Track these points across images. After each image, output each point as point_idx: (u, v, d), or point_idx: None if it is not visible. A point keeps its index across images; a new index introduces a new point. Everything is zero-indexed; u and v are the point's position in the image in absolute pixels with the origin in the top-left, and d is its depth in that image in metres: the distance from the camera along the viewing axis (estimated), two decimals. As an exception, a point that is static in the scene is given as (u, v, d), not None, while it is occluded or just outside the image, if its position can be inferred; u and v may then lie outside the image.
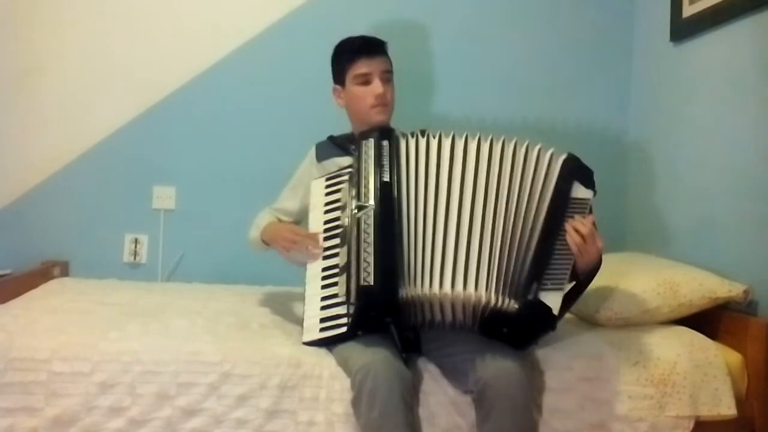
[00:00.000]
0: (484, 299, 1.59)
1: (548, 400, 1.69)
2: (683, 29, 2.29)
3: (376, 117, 1.91)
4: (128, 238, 2.61)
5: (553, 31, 2.66)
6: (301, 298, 1.78)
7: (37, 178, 2.58)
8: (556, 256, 1.61)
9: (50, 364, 1.63)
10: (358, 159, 1.72)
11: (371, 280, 1.58)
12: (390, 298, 1.60)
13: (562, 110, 2.64)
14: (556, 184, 1.63)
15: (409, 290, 1.60)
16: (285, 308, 2.10)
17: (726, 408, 1.72)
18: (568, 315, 1.80)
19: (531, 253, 1.62)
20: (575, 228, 1.60)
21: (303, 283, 1.79)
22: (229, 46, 2.60)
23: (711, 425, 1.74)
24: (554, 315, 1.61)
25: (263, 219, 2.01)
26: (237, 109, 2.61)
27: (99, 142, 2.59)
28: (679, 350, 1.76)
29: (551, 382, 1.70)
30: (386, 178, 1.66)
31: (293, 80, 2.57)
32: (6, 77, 2.57)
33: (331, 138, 2.04)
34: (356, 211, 1.66)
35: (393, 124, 1.93)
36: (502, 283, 1.60)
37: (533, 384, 1.66)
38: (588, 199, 1.65)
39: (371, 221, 1.63)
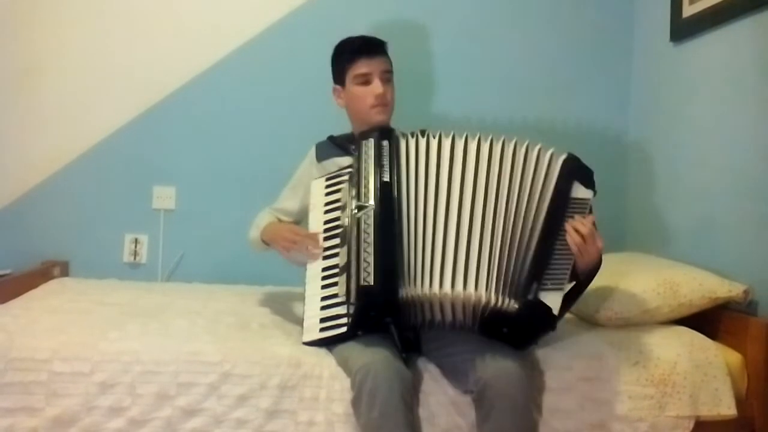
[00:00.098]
0: (484, 299, 1.59)
1: (548, 400, 1.69)
2: (683, 29, 2.29)
3: (376, 117, 1.91)
4: (128, 238, 2.61)
5: (553, 31, 2.66)
6: (301, 298, 1.78)
7: (37, 178, 2.59)
8: (556, 256, 1.61)
9: (50, 364, 1.63)
10: (358, 159, 1.72)
11: (371, 280, 1.58)
12: (390, 298, 1.60)
13: (562, 110, 2.64)
14: (556, 184, 1.63)
15: (409, 290, 1.60)
16: (285, 308, 2.10)
17: (726, 408, 1.72)
18: (567, 315, 1.80)
19: (531, 253, 1.62)
20: (575, 228, 1.60)
21: (303, 283, 1.79)
22: (229, 46, 2.60)
23: (711, 425, 1.74)
24: (554, 315, 1.61)
25: (263, 219, 2.01)
26: (237, 109, 2.61)
27: (99, 142, 2.59)
28: (679, 350, 1.76)
29: (551, 382, 1.70)
30: (386, 178, 1.66)
31: (293, 80, 2.57)
32: (6, 77, 2.57)
33: (331, 138, 2.04)
34: (356, 211, 1.66)
35: (393, 124, 1.93)
36: (502, 283, 1.60)
37: (533, 384, 1.66)
38: (588, 199, 1.65)
39: (371, 221, 1.63)
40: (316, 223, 1.82)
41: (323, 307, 1.72)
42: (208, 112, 2.61)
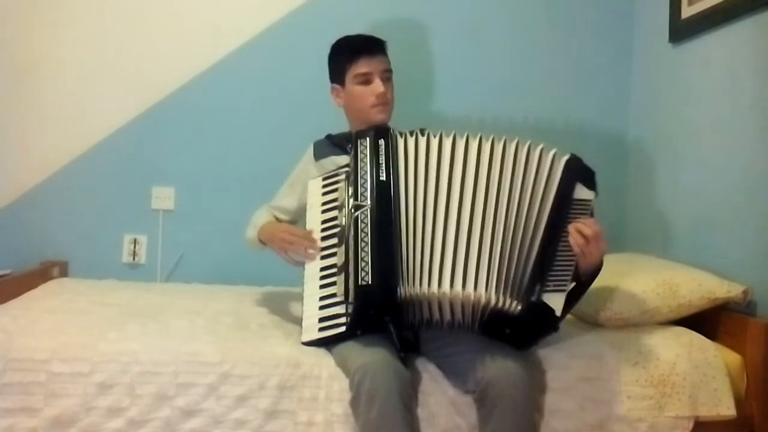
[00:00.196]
0: (484, 299, 1.59)
1: (548, 400, 1.69)
2: (682, 30, 2.29)
3: (377, 117, 1.90)
4: (127, 238, 2.61)
5: (553, 31, 2.66)
6: (301, 298, 1.78)
7: (37, 178, 2.59)
8: (559, 257, 1.61)
9: (49, 364, 1.62)
10: (355, 158, 1.71)
11: (369, 280, 1.58)
12: (388, 298, 1.59)
13: (562, 110, 2.64)
14: (559, 184, 1.62)
15: (407, 289, 1.60)
16: (284, 308, 2.10)
17: (725, 408, 1.72)
18: (568, 315, 1.80)
19: (533, 253, 1.61)
20: (579, 229, 1.60)
21: (302, 283, 1.78)
22: (229, 46, 2.60)
23: (710, 425, 1.74)
24: (557, 316, 1.60)
25: (261, 217, 2.01)
26: (236, 109, 2.61)
27: (98, 143, 2.59)
28: (678, 351, 1.76)
29: (551, 382, 1.70)
30: (383, 177, 1.66)
31: (293, 80, 2.57)
32: (6, 77, 2.57)
33: (329, 137, 2.04)
34: (353, 210, 1.65)
35: (392, 124, 1.93)
36: (503, 283, 1.60)
37: (534, 384, 1.66)
38: (590, 200, 1.64)
39: (368, 220, 1.62)
40: (314, 222, 1.82)
41: (322, 307, 1.72)
42: (208, 112, 2.61)
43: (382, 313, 1.63)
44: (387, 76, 1.94)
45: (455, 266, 1.60)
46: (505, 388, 1.54)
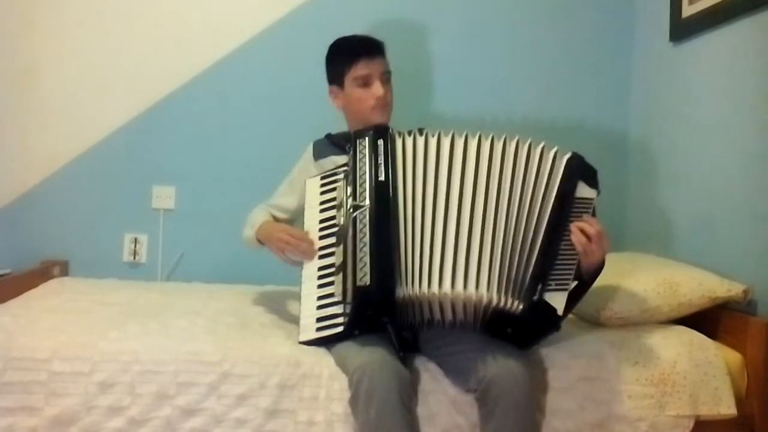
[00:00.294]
0: (485, 299, 1.58)
1: (549, 399, 1.69)
2: (683, 29, 2.29)
3: (377, 119, 1.89)
4: (128, 237, 2.61)
5: (552, 30, 2.66)
6: (300, 297, 1.78)
7: (37, 177, 2.59)
8: (561, 256, 1.60)
9: (50, 363, 1.62)
10: (354, 157, 1.70)
11: (367, 280, 1.57)
12: (386, 298, 1.59)
13: (562, 110, 2.64)
14: (561, 183, 1.62)
15: (407, 290, 1.60)
16: (285, 308, 2.10)
17: (726, 407, 1.72)
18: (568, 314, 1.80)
19: (535, 253, 1.61)
20: (581, 228, 1.60)
21: (301, 283, 1.78)
22: (229, 46, 2.60)
23: (711, 424, 1.74)
24: (559, 315, 1.60)
25: (258, 216, 2.00)
26: (237, 108, 2.61)
27: (99, 142, 2.59)
28: (679, 350, 1.76)
29: (551, 382, 1.70)
30: (382, 177, 1.65)
31: (293, 80, 2.57)
32: (6, 77, 2.57)
33: (328, 136, 2.04)
34: (352, 210, 1.65)
35: (392, 124, 1.92)
36: (504, 282, 1.59)
37: (536, 384, 1.66)
38: (592, 199, 1.64)
39: (367, 221, 1.62)
40: (312, 221, 1.82)
41: (319, 307, 1.72)
42: (208, 111, 2.61)
43: (380, 314, 1.62)
44: (386, 78, 1.93)
45: (456, 266, 1.60)
46: (507, 387, 1.54)
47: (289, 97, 2.59)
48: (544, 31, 2.66)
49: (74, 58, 2.59)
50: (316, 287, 1.74)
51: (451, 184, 1.64)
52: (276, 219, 2.02)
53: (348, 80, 1.93)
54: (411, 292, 1.60)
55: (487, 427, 1.56)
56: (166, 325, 1.86)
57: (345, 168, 1.76)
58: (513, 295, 1.60)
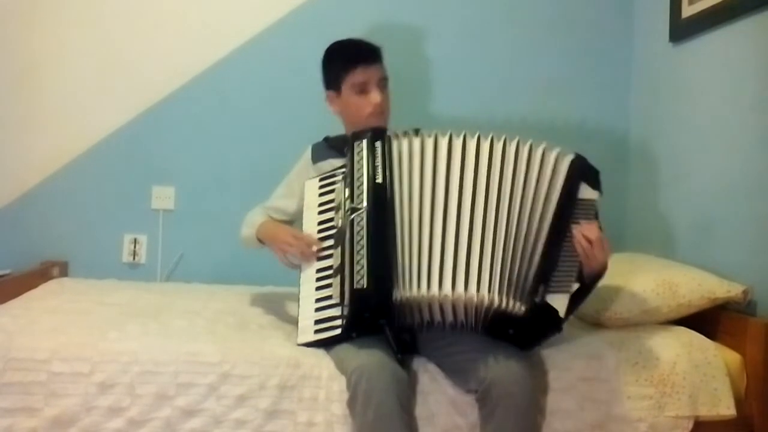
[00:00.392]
0: (486, 300, 1.58)
1: (548, 400, 1.69)
2: (682, 30, 2.29)
3: (374, 125, 1.87)
4: (127, 238, 2.61)
5: (552, 31, 2.66)
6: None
7: (37, 178, 2.59)
8: (563, 259, 1.60)
9: (50, 364, 1.62)
10: (351, 159, 1.70)
11: (365, 283, 1.56)
12: (383, 301, 1.58)
13: (562, 110, 2.64)
14: (563, 184, 1.61)
15: (406, 292, 1.59)
16: (284, 309, 2.10)
17: (725, 408, 1.72)
18: (568, 315, 1.80)
19: (537, 254, 1.60)
20: (583, 233, 1.59)
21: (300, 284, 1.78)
22: (229, 46, 2.60)
23: (710, 425, 1.74)
24: (561, 317, 1.60)
25: (257, 217, 2.00)
26: (237, 109, 2.61)
27: (98, 142, 2.59)
28: (678, 350, 1.76)
29: (551, 382, 1.70)
30: (379, 180, 1.64)
31: (293, 80, 2.57)
32: (6, 77, 2.57)
33: (326, 139, 2.03)
34: (349, 213, 1.64)
35: (391, 126, 1.92)
36: (506, 284, 1.59)
37: (537, 384, 1.66)
38: (594, 200, 1.64)
39: (364, 223, 1.61)
40: (310, 223, 1.81)
41: (317, 309, 1.72)
42: (208, 112, 2.61)
43: (377, 316, 1.61)
44: (383, 84, 1.92)
45: (456, 267, 1.59)
46: (508, 387, 1.54)
47: (289, 98, 2.58)
48: (544, 31, 2.66)
49: (74, 58, 2.59)
50: (314, 289, 1.74)
51: (451, 184, 1.63)
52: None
53: (345, 87, 1.92)
54: (410, 294, 1.59)
55: (487, 428, 1.56)
56: (165, 325, 1.86)
57: (343, 170, 1.76)
58: (515, 297, 1.59)
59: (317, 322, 1.71)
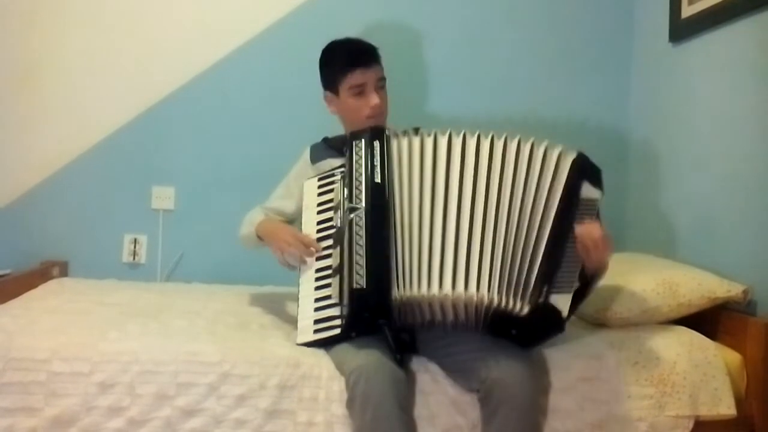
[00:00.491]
0: (486, 299, 1.57)
1: (548, 399, 1.69)
2: (682, 30, 2.29)
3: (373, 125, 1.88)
4: (127, 238, 2.61)
5: (552, 31, 2.66)
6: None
7: (37, 178, 2.59)
8: (566, 258, 1.59)
9: (50, 364, 1.62)
10: (350, 159, 1.70)
11: (363, 283, 1.56)
12: (382, 301, 1.58)
13: (563, 110, 2.63)
14: (566, 183, 1.61)
15: (405, 291, 1.59)
16: (284, 308, 2.10)
17: (725, 408, 1.72)
18: (568, 315, 1.80)
19: (539, 253, 1.59)
20: (586, 232, 1.58)
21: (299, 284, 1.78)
22: (229, 46, 2.60)
23: (710, 425, 1.74)
24: (563, 317, 1.59)
25: (257, 216, 2.00)
26: (236, 109, 2.61)
27: (98, 142, 2.59)
28: (678, 350, 1.76)
29: (551, 382, 1.70)
30: (378, 179, 1.64)
31: (293, 80, 2.57)
32: (6, 77, 2.57)
33: (325, 139, 2.03)
34: (348, 212, 1.64)
35: (390, 124, 1.92)
36: (506, 283, 1.58)
37: (539, 385, 1.66)
38: (597, 200, 1.63)
39: (363, 223, 1.61)
40: (310, 223, 1.81)
41: (317, 309, 1.71)
42: (208, 112, 2.61)
43: (376, 316, 1.61)
44: (381, 85, 1.92)
45: (456, 267, 1.59)
46: (511, 388, 1.54)
47: (289, 98, 2.58)
48: (544, 31, 2.66)
49: (74, 58, 2.59)
50: (313, 289, 1.74)
51: (450, 183, 1.63)
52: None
53: (342, 89, 1.92)
54: (410, 294, 1.59)
55: (489, 429, 1.56)
56: (165, 325, 1.86)
57: (342, 170, 1.76)
58: (517, 297, 1.59)
59: (316, 321, 1.71)
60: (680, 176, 2.30)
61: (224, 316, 1.99)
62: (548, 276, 1.58)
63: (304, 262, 1.78)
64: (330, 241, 1.74)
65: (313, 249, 1.77)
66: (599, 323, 1.91)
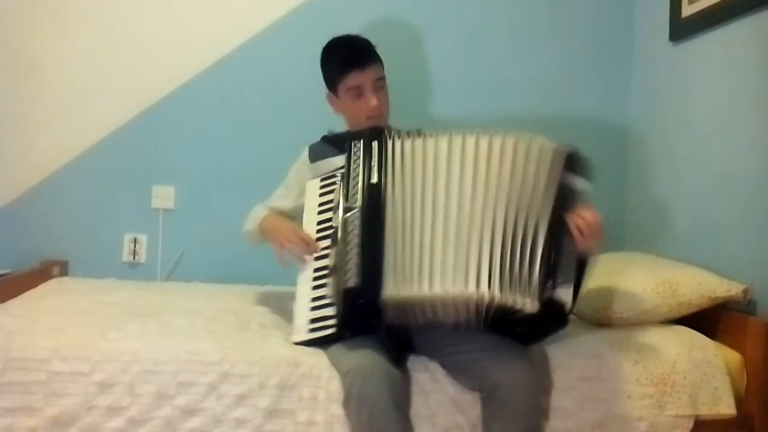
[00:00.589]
0: (487, 297, 1.57)
1: (548, 399, 1.69)
2: (682, 29, 2.29)
3: (373, 125, 1.87)
4: (127, 237, 2.61)
5: (552, 31, 2.66)
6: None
7: (37, 177, 2.59)
8: (564, 250, 1.60)
9: (49, 363, 1.62)
10: (348, 159, 1.70)
11: (354, 282, 1.56)
12: (373, 300, 1.57)
13: (563, 110, 2.63)
14: (558, 176, 1.62)
15: (402, 291, 1.58)
16: (284, 308, 2.09)
17: (725, 407, 1.72)
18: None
19: (538, 248, 1.59)
20: (579, 215, 1.59)
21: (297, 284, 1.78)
22: (229, 46, 2.60)
23: (710, 424, 1.74)
24: (566, 311, 1.59)
25: (260, 212, 2.00)
26: (237, 108, 2.61)
27: (98, 142, 2.59)
28: (678, 350, 1.76)
29: (551, 382, 1.70)
30: (374, 180, 1.64)
31: (293, 80, 2.57)
32: (6, 77, 2.57)
33: (324, 138, 2.03)
34: (344, 212, 1.64)
35: (392, 124, 1.92)
36: (507, 280, 1.58)
37: (541, 385, 1.66)
38: (587, 192, 1.64)
39: (357, 223, 1.61)
40: (310, 223, 1.81)
41: (313, 308, 1.71)
42: (208, 111, 2.61)
43: (368, 316, 1.61)
44: (379, 85, 1.92)
45: (456, 265, 1.58)
46: (513, 389, 1.54)
47: (289, 97, 2.58)
48: (544, 31, 2.66)
49: (74, 58, 2.59)
50: (310, 289, 1.74)
51: (450, 184, 1.63)
52: (278, 218, 2.01)
53: (341, 90, 1.92)
54: (407, 293, 1.58)
55: (492, 428, 1.56)
56: (165, 325, 1.86)
57: (342, 170, 1.76)
58: (525, 294, 1.58)
59: (312, 321, 1.71)
60: (680, 175, 2.30)
61: (224, 315, 1.99)
62: (551, 270, 1.58)
63: (303, 260, 1.77)
64: (329, 242, 1.74)
65: (312, 247, 1.77)
66: (599, 323, 1.91)
